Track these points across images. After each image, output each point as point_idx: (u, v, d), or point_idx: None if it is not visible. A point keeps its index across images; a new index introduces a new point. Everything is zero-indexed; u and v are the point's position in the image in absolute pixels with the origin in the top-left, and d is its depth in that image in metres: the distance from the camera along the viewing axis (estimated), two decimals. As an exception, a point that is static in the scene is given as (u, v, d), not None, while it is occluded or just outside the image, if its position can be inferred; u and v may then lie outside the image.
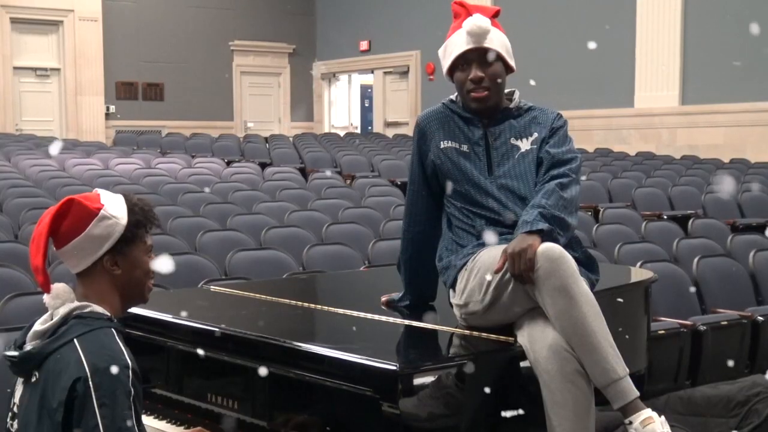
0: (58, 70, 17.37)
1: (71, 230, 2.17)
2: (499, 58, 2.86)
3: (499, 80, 2.86)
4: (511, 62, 2.91)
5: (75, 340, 2.08)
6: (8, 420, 2.19)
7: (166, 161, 11.22)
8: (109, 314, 2.19)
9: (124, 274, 2.22)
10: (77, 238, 2.17)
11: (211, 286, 3.70)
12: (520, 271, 2.53)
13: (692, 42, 13.31)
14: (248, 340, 2.67)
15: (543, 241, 2.57)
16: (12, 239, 5.64)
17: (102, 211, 2.18)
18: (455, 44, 2.87)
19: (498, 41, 2.86)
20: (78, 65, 17.28)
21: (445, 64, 2.92)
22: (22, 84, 17.06)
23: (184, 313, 2.98)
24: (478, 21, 2.84)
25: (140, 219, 2.24)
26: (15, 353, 2.15)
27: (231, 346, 2.69)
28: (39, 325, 2.17)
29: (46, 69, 17.29)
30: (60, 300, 2.17)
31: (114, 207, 2.21)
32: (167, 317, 2.98)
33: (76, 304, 2.17)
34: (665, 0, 13.52)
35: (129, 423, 2.02)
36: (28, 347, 2.14)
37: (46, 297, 2.18)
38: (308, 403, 2.47)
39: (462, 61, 2.86)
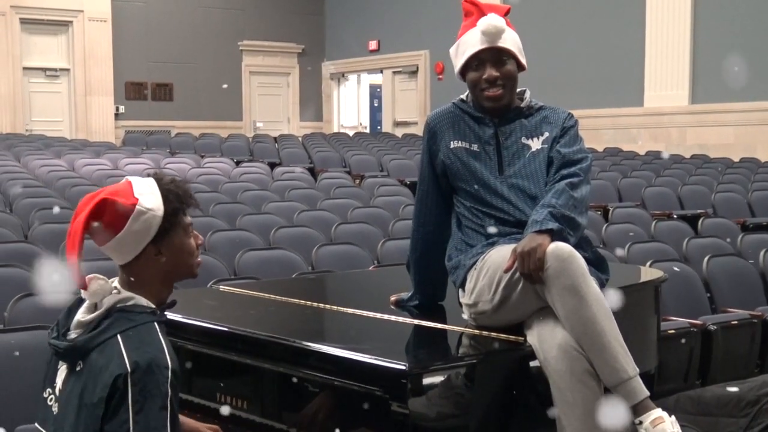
0: (67, 70, 17.42)
1: (109, 229, 2.15)
2: (512, 57, 2.86)
3: (513, 79, 2.86)
4: (523, 61, 2.90)
5: (118, 336, 2.08)
6: (50, 396, 2.19)
7: (176, 161, 11.22)
8: (153, 306, 2.18)
9: (169, 260, 2.21)
10: (117, 236, 2.15)
11: (221, 286, 3.70)
12: (530, 270, 2.52)
13: (702, 40, 13.26)
14: (257, 339, 2.66)
15: (553, 240, 2.56)
16: (22, 239, 5.65)
17: (138, 207, 2.15)
18: (468, 43, 2.86)
19: (511, 40, 2.86)
20: (87, 66, 17.32)
21: (458, 63, 2.90)
22: (32, 84, 17.12)
23: (193, 313, 2.98)
24: (493, 21, 2.83)
25: (176, 206, 2.21)
26: (61, 343, 2.14)
27: (240, 346, 2.69)
28: (82, 315, 2.16)
29: (55, 69, 17.34)
30: (99, 295, 2.15)
31: (148, 198, 2.18)
32: (176, 317, 2.98)
33: (121, 296, 2.16)
34: (675, -1, 13.48)
35: (161, 423, 2.03)
36: (72, 335, 2.15)
37: (84, 293, 2.17)
38: (317, 403, 2.47)
39: (475, 61, 2.85)
